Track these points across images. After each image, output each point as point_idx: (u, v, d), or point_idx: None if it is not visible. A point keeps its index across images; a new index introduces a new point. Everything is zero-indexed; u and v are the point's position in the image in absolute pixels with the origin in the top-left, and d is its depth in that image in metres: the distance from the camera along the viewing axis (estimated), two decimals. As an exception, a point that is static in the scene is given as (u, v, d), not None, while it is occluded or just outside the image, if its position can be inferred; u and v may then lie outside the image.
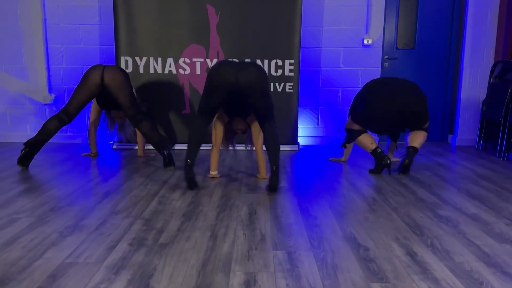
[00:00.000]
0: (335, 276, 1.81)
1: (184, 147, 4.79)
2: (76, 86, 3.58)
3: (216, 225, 2.41)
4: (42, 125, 3.80)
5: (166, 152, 3.55)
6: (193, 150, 3.08)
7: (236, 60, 3.08)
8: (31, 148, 3.57)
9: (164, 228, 2.36)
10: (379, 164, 3.61)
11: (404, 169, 3.61)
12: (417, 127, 3.65)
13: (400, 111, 3.50)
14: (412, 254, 2.04)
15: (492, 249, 2.12)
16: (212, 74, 2.99)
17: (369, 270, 1.87)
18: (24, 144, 3.57)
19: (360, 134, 3.71)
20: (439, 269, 1.89)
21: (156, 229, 2.34)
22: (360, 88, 5.07)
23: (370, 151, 3.65)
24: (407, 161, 3.57)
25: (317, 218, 2.53)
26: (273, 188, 2.98)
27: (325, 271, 1.86)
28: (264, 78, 3.00)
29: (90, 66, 3.84)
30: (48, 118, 5.08)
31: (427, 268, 1.90)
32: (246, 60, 4.69)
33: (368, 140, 3.68)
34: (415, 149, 3.58)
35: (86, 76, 3.61)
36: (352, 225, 2.43)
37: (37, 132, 3.78)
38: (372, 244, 2.17)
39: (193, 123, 3.14)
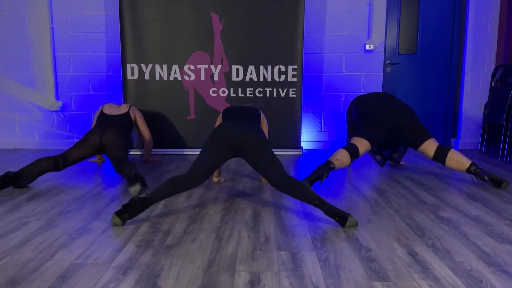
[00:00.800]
0: (338, 276, 1.86)
1: (187, 152, 4.86)
2: (77, 141, 3.61)
3: (221, 227, 2.46)
4: (34, 160, 3.62)
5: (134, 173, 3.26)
6: (164, 190, 2.59)
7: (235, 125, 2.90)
8: (14, 176, 3.26)
9: (170, 230, 2.41)
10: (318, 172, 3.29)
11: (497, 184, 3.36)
12: (422, 137, 3.54)
13: (396, 127, 3.54)
14: (413, 254, 2.08)
15: (493, 249, 2.16)
16: (212, 136, 2.86)
17: (371, 269, 1.92)
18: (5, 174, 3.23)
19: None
20: (440, 268, 1.93)
21: (163, 231, 2.39)
22: (361, 93, 5.12)
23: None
24: (486, 177, 3.38)
25: (320, 220, 2.58)
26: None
27: (328, 271, 1.90)
28: (264, 140, 2.85)
29: (90, 129, 3.72)
30: (55, 125, 5.17)
31: (428, 267, 1.94)
32: (249, 70, 4.77)
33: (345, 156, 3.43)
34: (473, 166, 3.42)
35: (86, 138, 3.63)
36: (354, 227, 2.47)
37: (27, 164, 3.58)
38: (374, 244, 2.21)
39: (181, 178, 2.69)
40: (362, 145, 3.48)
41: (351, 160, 3.41)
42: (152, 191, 2.57)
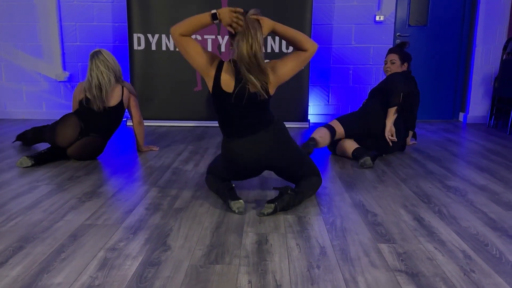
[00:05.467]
0: (344, 238, 1.88)
1: (194, 123, 4.86)
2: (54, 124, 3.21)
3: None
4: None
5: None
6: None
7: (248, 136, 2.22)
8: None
9: (179, 195, 2.44)
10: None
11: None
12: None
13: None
14: (419, 219, 2.10)
15: (499, 215, 2.16)
16: (228, 161, 2.30)
17: (377, 232, 1.93)
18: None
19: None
20: (446, 232, 1.94)
21: (171, 196, 2.42)
22: (370, 65, 5.06)
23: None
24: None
25: (327, 188, 2.59)
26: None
27: (334, 233, 1.92)
28: (288, 150, 2.29)
29: (69, 117, 3.15)
30: (63, 95, 5.18)
31: (434, 231, 1.95)
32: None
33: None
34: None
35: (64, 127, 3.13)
36: (361, 194, 2.49)
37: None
38: (380, 210, 2.22)
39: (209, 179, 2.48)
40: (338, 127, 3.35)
41: (331, 140, 3.26)
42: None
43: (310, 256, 1.70)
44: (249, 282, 1.50)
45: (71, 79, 5.16)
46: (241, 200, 2.15)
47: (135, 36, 4.73)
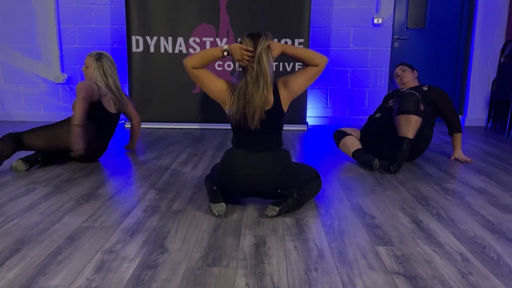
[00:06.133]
0: (342, 240, 1.87)
1: (192, 126, 4.86)
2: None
3: (228, 198, 2.47)
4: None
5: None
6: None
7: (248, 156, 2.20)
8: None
9: (177, 197, 2.43)
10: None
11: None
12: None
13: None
14: (417, 222, 2.10)
15: (497, 218, 2.16)
16: (223, 177, 2.24)
17: (375, 235, 1.93)
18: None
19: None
20: (444, 235, 1.94)
21: (169, 198, 2.42)
22: (368, 68, 5.07)
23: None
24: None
25: (325, 191, 2.59)
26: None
27: (332, 236, 1.92)
28: (287, 179, 2.23)
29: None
30: (61, 97, 5.17)
31: (432, 234, 1.95)
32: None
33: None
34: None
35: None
36: (359, 196, 2.49)
37: None
38: (378, 213, 2.22)
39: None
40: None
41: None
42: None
43: (308, 258, 1.70)
44: (247, 284, 1.50)
45: (69, 81, 5.16)
46: (222, 203, 2.14)
47: (133, 38, 4.73)
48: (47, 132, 2.99)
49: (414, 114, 2.98)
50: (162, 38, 4.74)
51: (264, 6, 4.67)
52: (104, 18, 5.01)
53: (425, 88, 3.38)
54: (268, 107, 2.18)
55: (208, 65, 2.23)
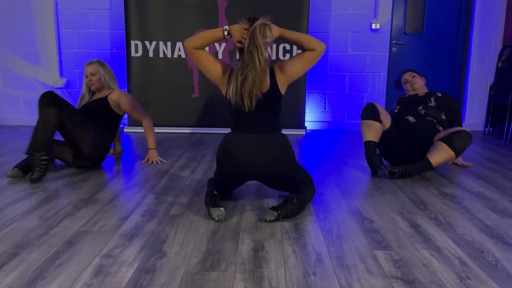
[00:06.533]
0: (340, 244, 1.87)
1: (191, 130, 4.86)
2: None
3: (225, 200, 2.47)
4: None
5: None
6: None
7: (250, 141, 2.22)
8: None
9: (175, 202, 2.43)
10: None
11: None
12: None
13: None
14: (415, 226, 2.10)
15: (495, 223, 2.17)
16: (222, 160, 2.26)
17: (373, 239, 1.93)
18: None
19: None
20: (442, 239, 1.94)
21: (168, 202, 2.42)
22: (367, 73, 5.09)
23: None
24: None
25: (323, 195, 2.59)
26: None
27: (331, 240, 1.92)
28: (285, 161, 2.25)
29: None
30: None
31: (430, 238, 1.95)
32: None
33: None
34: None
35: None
36: (357, 201, 2.49)
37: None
38: (377, 217, 2.22)
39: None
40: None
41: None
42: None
43: (306, 263, 1.70)
44: (245, 289, 1.49)
45: (68, 86, 5.16)
46: (221, 208, 2.14)
47: (132, 43, 4.74)
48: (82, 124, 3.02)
49: (455, 152, 2.93)
50: (161, 43, 4.76)
51: (263, 11, 4.68)
52: (103, 23, 5.03)
53: (439, 94, 3.33)
54: (265, 89, 2.20)
55: (208, 45, 2.27)
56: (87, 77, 3.19)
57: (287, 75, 2.25)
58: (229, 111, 2.30)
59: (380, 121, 3.15)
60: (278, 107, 2.29)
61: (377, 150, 3.19)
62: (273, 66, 2.29)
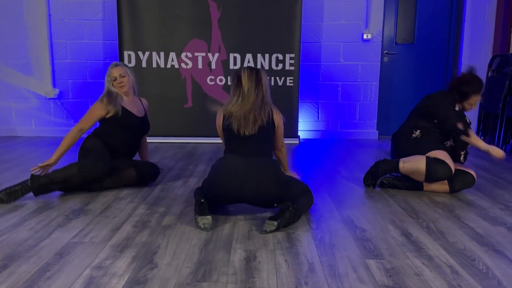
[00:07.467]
0: (332, 254, 1.88)
1: (184, 140, 4.86)
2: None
3: (217, 210, 2.47)
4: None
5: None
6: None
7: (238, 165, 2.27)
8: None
9: (167, 212, 2.42)
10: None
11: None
12: None
13: None
14: (407, 235, 2.11)
15: (486, 231, 2.18)
16: (212, 186, 2.28)
17: (365, 248, 1.94)
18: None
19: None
20: (433, 247, 1.95)
21: (159, 213, 2.41)
22: (359, 82, 5.13)
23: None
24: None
25: (316, 204, 2.59)
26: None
27: (323, 249, 1.92)
28: (274, 184, 2.25)
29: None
30: (52, 113, 5.16)
31: (422, 247, 1.96)
32: (248, 58, 4.76)
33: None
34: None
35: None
36: (349, 210, 2.49)
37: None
38: (369, 226, 2.23)
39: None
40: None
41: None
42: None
43: (298, 272, 1.69)
44: (237, 299, 1.49)
45: (60, 96, 5.15)
46: (208, 216, 2.15)
47: (125, 53, 4.75)
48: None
49: (451, 190, 2.86)
50: (154, 53, 4.77)
51: (256, 22, 4.72)
52: (96, 34, 5.04)
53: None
54: (266, 118, 2.36)
55: None
56: (114, 79, 2.93)
57: (276, 130, 2.47)
58: (225, 139, 2.42)
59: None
60: (272, 135, 2.44)
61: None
62: (275, 111, 2.43)
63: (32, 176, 2.63)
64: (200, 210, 2.17)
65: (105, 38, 5.05)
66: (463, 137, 2.84)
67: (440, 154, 2.76)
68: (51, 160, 2.78)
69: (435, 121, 2.93)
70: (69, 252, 1.86)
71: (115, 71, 2.95)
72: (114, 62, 3.05)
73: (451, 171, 2.71)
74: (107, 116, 2.89)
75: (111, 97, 2.91)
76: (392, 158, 3.06)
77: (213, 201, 2.32)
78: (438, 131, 2.92)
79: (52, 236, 2.04)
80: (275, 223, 2.11)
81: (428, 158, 2.73)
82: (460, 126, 2.83)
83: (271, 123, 2.38)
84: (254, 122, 2.31)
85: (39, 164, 2.74)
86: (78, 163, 2.70)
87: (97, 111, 2.88)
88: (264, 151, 2.37)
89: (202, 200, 2.20)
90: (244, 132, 2.30)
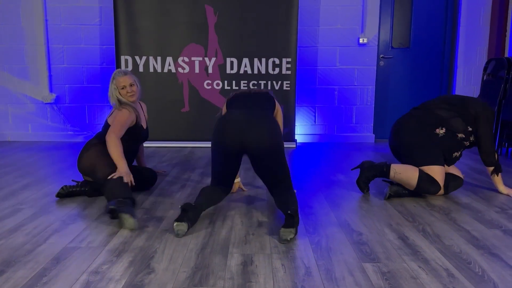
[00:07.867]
0: (329, 257, 1.88)
1: (181, 144, 4.87)
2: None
3: (215, 214, 2.47)
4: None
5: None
6: (202, 201, 2.34)
7: (244, 113, 2.42)
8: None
9: (164, 216, 2.42)
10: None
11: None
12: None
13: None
14: (403, 238, 2.12)
15: (481, 233, 2.19)
16: (216, 136, 2.39)
17: (362, 252, 1.94)
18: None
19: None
20: (429, 251, 1.96)
21: (157, 217, 2.41)
22: (355, 86, 5.15)
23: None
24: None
25: (313, 208, 2.60)
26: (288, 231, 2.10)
27: (319, 253, 1.93)
28: (276, 139, 2.35)
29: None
30: (49, 118, 5.16)
31: (418, 250, 1.97)
32: (245, 59, 4.78)
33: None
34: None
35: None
36: (346, 213, 2.50)
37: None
38: (366, 229, 2.24)
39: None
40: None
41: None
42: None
43: (295, 276, 1.70)
44: (234, 303, 1.49)
45: (57, 101, 5.15)
46: (184, 223, 2.11)
47: (122, 58, 4.76)
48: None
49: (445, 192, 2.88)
50: (151, 58, 4.78)
51: (252, 26, 4.75)
52: (93, 38, 5.05)
53: None
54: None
55: None
56: (122, 88, 2.82)
57: (276, 110, 2.68)
58: (227, 104, 2.64)
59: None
60: (272, 109, 2.62)
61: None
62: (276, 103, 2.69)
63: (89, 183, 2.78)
64: (180, 217, 2.14)
65: (102, 43, 5.06)
66: (490, 169, 2.90)
67: (436, 172, 2.73)
68: (124, 168, 2.56)
69: (470, 128, 2.79)
70: (66, 257, 1.86)
71: (124, 80, 2.82)
72: (120, 69, 2.94)
73: (440, 190, 2.77)
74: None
75: (131, 106, 2.83)
76: (396, 140, 2.92)
77: (217, 164, 2.44)
78: (460, 139, 2.81)
79: (49, 241, 2.04)
80: (293, 230, 2.05)
81: (420, 175, 2.72)
82: (496, 156, 2.87)
83: (272, 103, 2.64)
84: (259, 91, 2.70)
85: (125, 180, 2.49)
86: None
87: (129, 119, 2.77)
88: (265, 108, 2.57)
89: (183, 206, 2.16)
90: (250, 91, 2.68)
